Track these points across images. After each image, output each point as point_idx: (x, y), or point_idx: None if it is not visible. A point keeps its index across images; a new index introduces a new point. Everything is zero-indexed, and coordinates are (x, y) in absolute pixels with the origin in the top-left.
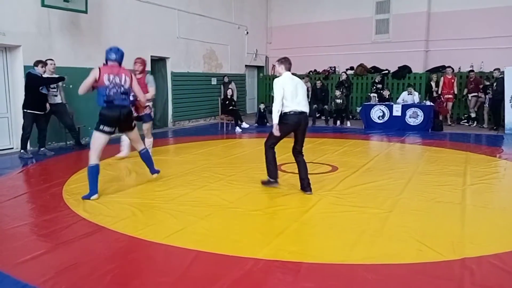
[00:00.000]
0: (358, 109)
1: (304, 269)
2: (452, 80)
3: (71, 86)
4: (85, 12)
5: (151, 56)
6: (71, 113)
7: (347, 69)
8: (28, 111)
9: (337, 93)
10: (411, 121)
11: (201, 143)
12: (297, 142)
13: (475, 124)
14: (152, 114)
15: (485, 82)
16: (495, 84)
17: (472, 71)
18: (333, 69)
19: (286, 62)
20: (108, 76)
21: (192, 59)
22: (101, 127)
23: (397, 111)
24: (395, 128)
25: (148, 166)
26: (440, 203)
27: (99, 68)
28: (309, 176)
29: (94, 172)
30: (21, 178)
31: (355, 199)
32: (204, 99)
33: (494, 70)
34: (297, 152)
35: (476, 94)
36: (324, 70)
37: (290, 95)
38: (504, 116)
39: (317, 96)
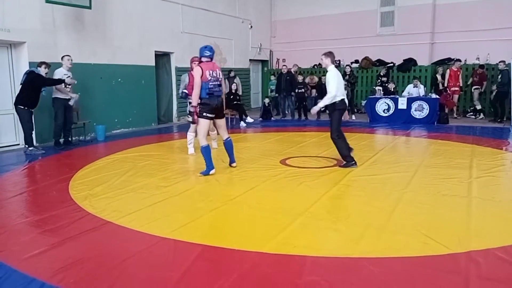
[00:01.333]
0: (363, 102)
1: (309, 262)
2: (458, 73)
3: (75, 82)
4: (89, 7)
5: (155, 51)
6: (76, 109)
7: (352, 62)
8: (26, 108)
9: None
10: (417, 114)
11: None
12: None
13: (481, 117)
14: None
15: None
16: (499, 76)
17: (482, 66)
18: (337, 62)
19: (332, 55)
20: (209, 72)
21: (196, 54)
22: (205, 114)
23: (402, 104)
24: (401, 121)
25: (229, 155)
26: (446, 196)
27: (201, 66)
28: (314, 171)
29: (207, 151)
30: (27, 174)
31: (360, 193)
32: None
33: (500, 62)
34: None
35: (478, 87)
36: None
37: (341, 85)
38: (510, 108)
39: (322, 91)
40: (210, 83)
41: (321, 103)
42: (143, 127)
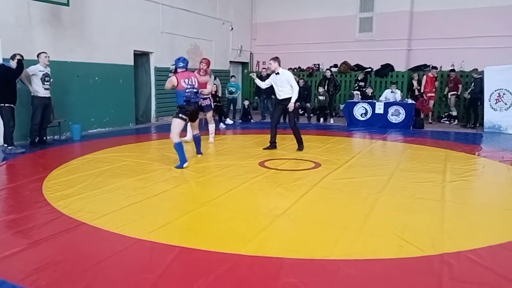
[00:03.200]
0: (341, 106)
1: (287, 264)
2: (434, 79)
3: (52, 79)
4: (67, 4)
5: (134, 50)
6: (52, 107)
7: (331, 67)
8: (6, 105)
9: (320, 89)
10: (393, 119)
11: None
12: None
13: (455, 122)
14: (212, 105)
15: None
16: (473, 84)
17: (453, 70)
18: (317, 66)
19: (279, 60)
20: (184, 80)
21: (176, 54)
22: (181, 115)
23: (379, 108)
24: (378, 125)
25: (197, 147)
26: (421, 199)
27: (176, 76)
28: (293, 173)
29: (180, 147)
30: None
31: (337, 196)
32: None
33: (473, 70)
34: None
35: (455, 92)
36: (308, 67)
37: None
38: (482, 115)
39: (299, 94)
40: (186, 91)
41: (293, 98)
42: (121, 127)
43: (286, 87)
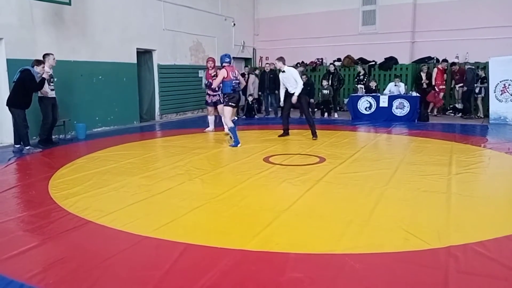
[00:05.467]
0: (346, 100)
1: (292, 259)
2: (444, 71)
3: (55, 79)
4: (69, 3)
5: (137, 48)
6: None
7: (334, 61)
8: (20, 109)
9: (324, 83)
10: (398, 112)
11: (188, 135)
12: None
13: (460, 115)
14: (222, 99)
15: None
16: (465, 75)
17: (454, 63)
18: (320, 60)
19: (283, 59)
20: (232, 73)
21: (178, 51)
22: (230, 103)
23: (383, 102)
24: (382, 119)
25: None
26: (426, 192)
27: (226, 69)
28: (297, 168)
29: (234, 130)
30: (5, 174)
31: (342, 190)
32: (191, 91)
33: (465, 62)
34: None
35: (462, 84)
36: (311, 62)
37: None
38: (474, 105)
39: (303, 89)
40: (233, 82)
41: (297, 92)
42: (125, 125)
43: (292, 82)
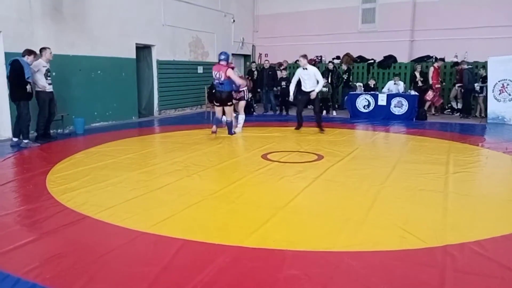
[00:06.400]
0: (344, 98)
1: (289, 256)
2: (439, 70)
3: (54, 73)
4: None
5: (136, 43)
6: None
7: (333, 58)
8: (23, 101)
9: (323, 81)
10: (396, 111)
11: (187, 132)
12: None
13: (458, 114)
14: (246, 96)
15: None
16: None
17: (457, 63)
18: (319, 58)
19: (307, 57)
20: (217, 73)
21: (178, 47)
22: (213, 102)
23: (382, 100)
24: (380, 117)
25: (228, 129)
26: (423, 191)
27: (213, 67)
28: (295, 165)
29: (230, 124)
30: (3, 168)
31: (340, 188)
32: (190, 87)
33: (461, 62)
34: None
35: (461, 84)
36: (310, 59)
37: None
38: (473, 105)
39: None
40: (214, 81)
41: (318, 89)
42: (123, 121)
43: (312, 80)
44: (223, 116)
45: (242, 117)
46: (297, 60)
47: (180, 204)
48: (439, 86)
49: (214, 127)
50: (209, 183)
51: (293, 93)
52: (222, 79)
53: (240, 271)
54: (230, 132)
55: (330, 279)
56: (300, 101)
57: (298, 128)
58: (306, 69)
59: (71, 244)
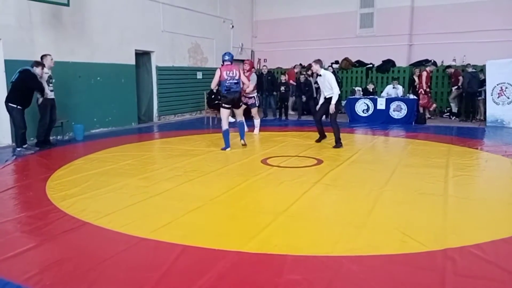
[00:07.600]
0: (343, 102)
1: (290, 261)
2: (431, 74)
3: (53, 80)
4: (67, 5)
5: (136, 50)
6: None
7: (332, 63)
8: (18, 107)
9: None
10: (395, 114)
11: (187, 137)
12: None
13: (454, 118)
14: (257, 102)
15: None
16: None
17: (449, 66)
18: None
19: (320, 62)
20: (226, 72)
21: (177, 53)
22: (224, 104)
23: (381, 104)
24: (379, 121)
25: (240, 133)
26: (423, 194)
27: (220, 69)
28: (295, 170)
29: (226, 134)
30: (3, 174)
31: (340, 192)
32: (189, 93)
33: (467, 65)
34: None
35: (457, 87)
36: (309, 64)
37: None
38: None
39: (301, 90)
40: (227, 82)
41: (334, 100)
42: (123, 127)
43: (327, 87)
44: (233, 118)
45: (257, 121)
46: (297, 65)
47: (180, 210)
48: (428, 90)
49: (242, 141)
50: (209, 188)
51: (320, 104)
52: (237, 77)
53: (241, 276)
54: (242, 137)
55: (331, 283)
56: (320, 109)
57: (319, 140)
58: (320, 75)
59: (71, 250)
